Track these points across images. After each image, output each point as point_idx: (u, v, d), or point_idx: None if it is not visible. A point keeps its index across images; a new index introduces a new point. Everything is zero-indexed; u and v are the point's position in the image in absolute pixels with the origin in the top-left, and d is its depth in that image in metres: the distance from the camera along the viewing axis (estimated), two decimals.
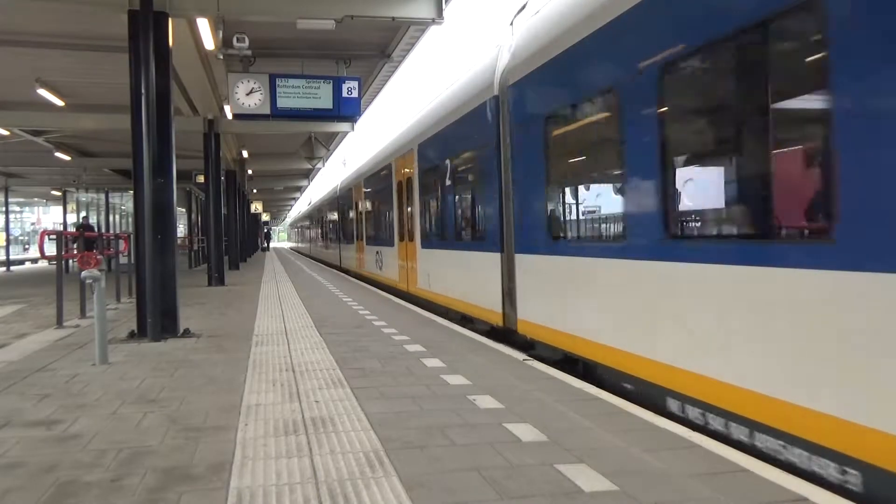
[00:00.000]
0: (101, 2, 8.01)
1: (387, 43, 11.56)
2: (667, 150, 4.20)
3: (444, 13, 8.73)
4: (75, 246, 14.36)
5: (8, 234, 32.84)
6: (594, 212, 5.53)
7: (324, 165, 27.35)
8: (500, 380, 4.85)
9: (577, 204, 5.75)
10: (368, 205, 16.72)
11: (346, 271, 20.94)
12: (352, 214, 19.69)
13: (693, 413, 3.95)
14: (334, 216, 25.07)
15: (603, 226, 5.41)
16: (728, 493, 2.71)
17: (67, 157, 20.95)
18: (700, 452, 3.22)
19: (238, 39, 9.71)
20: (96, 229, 24.63)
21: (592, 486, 2.79)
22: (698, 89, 4.18)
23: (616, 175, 5.00)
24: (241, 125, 16.12)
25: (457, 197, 8.95)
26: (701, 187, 4.15)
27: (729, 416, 3.61)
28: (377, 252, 15.12)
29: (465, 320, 8.41)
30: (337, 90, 10.75)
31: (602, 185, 5.50)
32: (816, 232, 3.22)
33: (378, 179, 14.78)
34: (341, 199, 22.54)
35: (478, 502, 2.66)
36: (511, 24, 7.21)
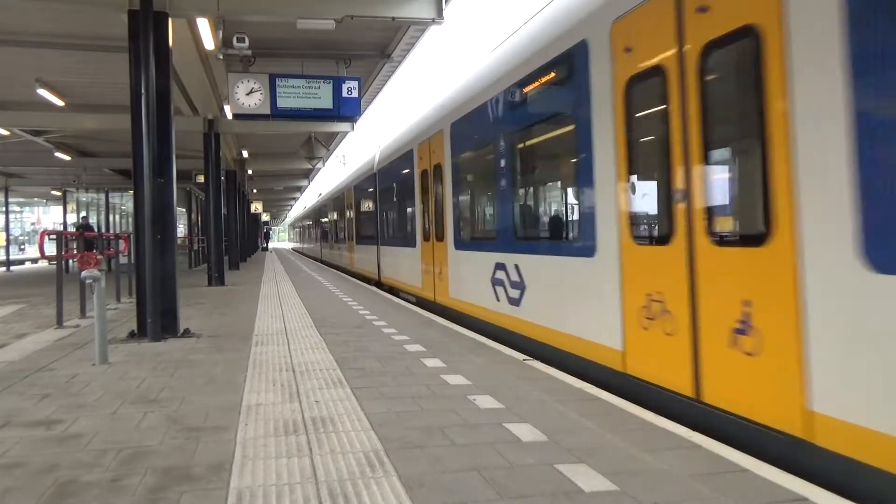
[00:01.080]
0: (101, 2, 8.01)
1: (387, 43, 11.56)
2: None
3: (444, 13, 8.74)
4: (75, 246, 14.36)
5: (8, 234, 32.85)
6: None
7: (324, 165, 27.35)
8: (501, 380, 4.85)
9: None
10: (468, 170, 8.39)
11: (395, 291, 13.21)
12: (416, 195, 10.96)
13: None
14: (369, 203, 16.67)
15: None
16: (728, 493, 2.71)
17: (67, 157, 20.96)
18: (700, 452, 3.22)
19: (238, 39, 9.72)
20: (96, 229, 24.64)
21: (592, 486, 2.79)
22: None
23: None
24: (241, 125, 16.13)
25: None
26: None
27: None
28: (499, 266, 7.14)
29: None
30: (337, 90, 10.75)
31: None
32: None
33: (524, 109, 6.43)
34: (387, 174, 14.00)
35: (478, 502, 2.66)
36: None
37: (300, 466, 3.10)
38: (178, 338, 7.29)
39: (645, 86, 4.42)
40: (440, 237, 9.56)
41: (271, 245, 70.28)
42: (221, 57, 10.06)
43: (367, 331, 7.48)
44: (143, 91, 7.15)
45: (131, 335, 7.29)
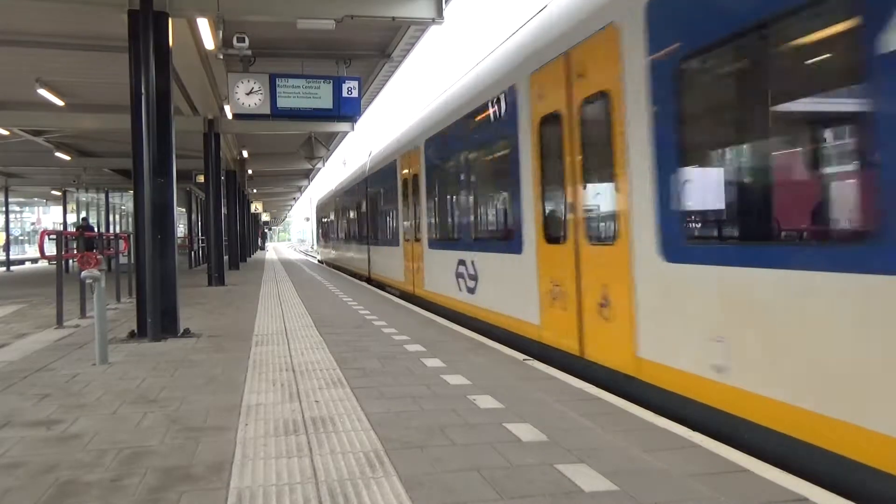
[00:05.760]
0: (101, 2, 8.00)
1: (387, 43, 11.56)
2: None
3: (444, 13, 8.75)
4: (75, 246, 14.37)
5: (8, 234, 32.86)
6: None
7: (324, 165, 27.34)
8: (500, 380, 4.85)
9: None
10: (437, 181, 9.56)
11: (382, 286, 12.73)
12: (399, 201, 11.87)
13: None
14: (362, 207, 15.70)
15: None
16: (728, 493, 2.71)
17: (67, 157, 20.96)
18: (700, 452, 3.22)
19: (238, 39, 9.71)
20: (96, 229, 24.64)
21: (592, 486, 2.80)
22: None
23: None
24: (241, 125, 16.12)
25: None
26: None
27: None
28: (461, 262, 8.24)
29: None
30: (337, 90, 10.76)
31: None
32: None
33: None
34: (376, 181, 13.87)
35: (478, 502, 2.66)
36: None
37: (300, 466, 3.10)
38: (179, 338, 7.29)
39: (549, 122, 5.66)
40: (417, 238, 10.69)
41: (273, 246, 70.14)
42: (221, 57, 10.05)
43: (367, 331, 7.48)
44: (143, 91, 7.15)
45: (131, 335, 7.29)
